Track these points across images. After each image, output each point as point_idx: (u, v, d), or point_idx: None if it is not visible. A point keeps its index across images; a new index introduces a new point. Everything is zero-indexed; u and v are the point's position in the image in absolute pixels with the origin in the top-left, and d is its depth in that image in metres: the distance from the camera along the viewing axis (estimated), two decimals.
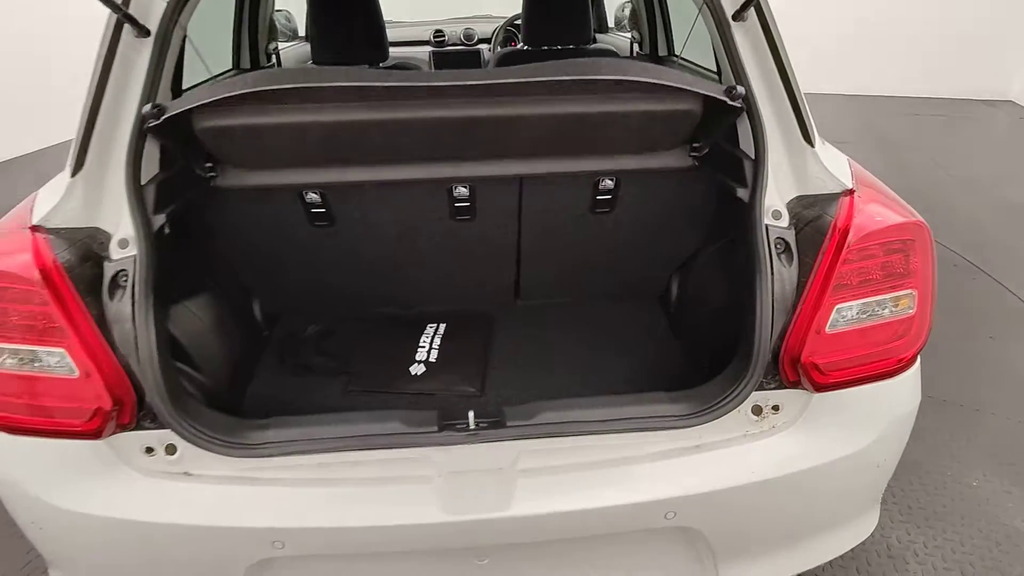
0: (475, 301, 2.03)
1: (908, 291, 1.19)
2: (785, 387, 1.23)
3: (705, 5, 1.39)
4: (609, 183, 1.66)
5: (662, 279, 2.00)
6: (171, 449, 1.16)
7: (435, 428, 1.20)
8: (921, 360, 1.30)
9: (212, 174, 1.47)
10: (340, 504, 1.17)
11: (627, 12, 3.11)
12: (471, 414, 1.22)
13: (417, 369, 1.74)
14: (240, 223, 1.67)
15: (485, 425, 1.22)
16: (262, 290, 1.90)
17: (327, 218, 1.70)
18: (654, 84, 1.26)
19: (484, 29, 3.74)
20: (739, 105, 1.30)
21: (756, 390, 1.21)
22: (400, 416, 1.22)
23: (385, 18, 2.20)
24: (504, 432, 1.20)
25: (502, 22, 3.62)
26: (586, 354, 1.81)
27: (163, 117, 1.20)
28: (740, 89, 1.30)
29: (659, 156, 1.55)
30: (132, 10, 1.24)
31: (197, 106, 1.20)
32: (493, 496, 1.18)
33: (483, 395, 1.68)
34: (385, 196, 1.66)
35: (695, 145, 1.53)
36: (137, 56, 1.26)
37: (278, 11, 2.88)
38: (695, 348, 1.76)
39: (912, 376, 1.28)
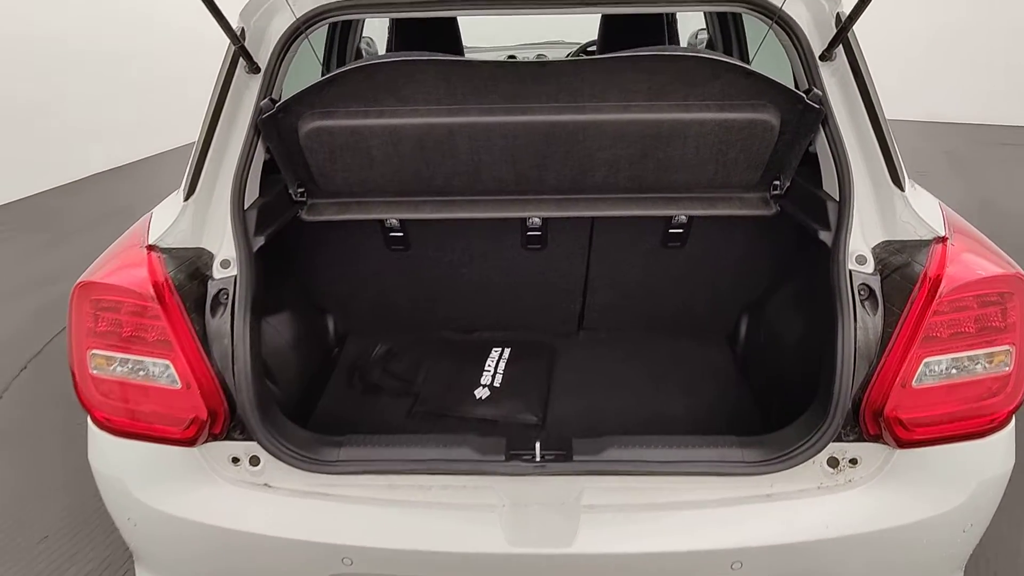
0: (539, 328, 2.06)
1: (1005, 347, 1.13)
2: (865, 440, 1.19)
3: (790, 43, 1.38)
4: (683, 218, 1.66)
5: (731, 317, 1.97)
6: (255, 461, 1.23)
7: (502, 457, 1.22)
8: (1016, 420, 1.22)
9: (303, 199, 1.56)
10: (408, 526, 1.20)
11: (700, 39, 3.10)
12: (537, 445, 1.23)
13: (482, 393, 1.78)
14: (322, 244, 1.77)
15: (551, 457, 1.23)
16: (335, 309, 1.99)
17: (403, 242, 1.77)
18: (729, 66, 1.25)
19: (556, 55, 3.81)
20: (817, 106, 1.27)
21: (833, 441, 1.17)
22: (469, 442, 1.25)
23: (464, 44, 2.28)
24: (570, 466, 1.20)
25: (575, 48, 3.68)
26: (648, 389, 1.79)
27: (277, 107, 1.29)
28: (817, 91, 1.28)
29: (736, 197, 1.53)
30: (248, 45, 1.35)
31: (307, 99, 1.28)
32: (557, 530, 1.18)
33: (544, 425, 1.69)
34: (461, 224, 1.71)
35: (775, 184, 1.50)
36: (247, 90, 1.36)
37: (363, 37, 3.05)
38: (764, 392, 1.72)
39: (1006, 437, 1.21)
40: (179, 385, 1.15)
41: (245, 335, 1.18)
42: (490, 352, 1.94)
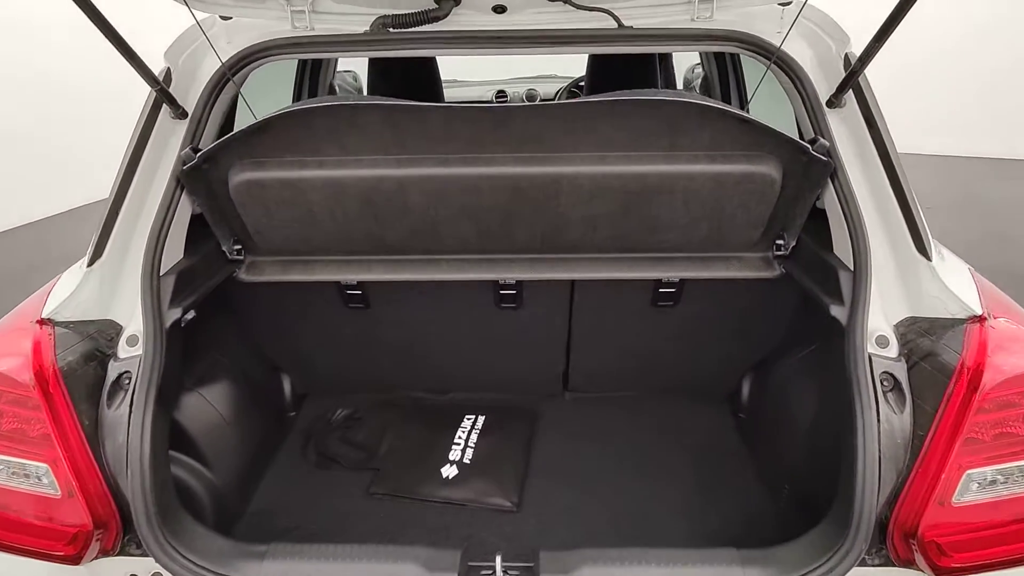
0: (519, 390, 1.86)
1: None
2: (894, 565, 0.98)
3: (792, 86, 1.21)
4: (674, 278, 1.47)
5: (732, 379, 1.76)
6: None
7: (455, 574, 1.02)
8: None
9: (240, 256, 1.38)
10: None
11: (697, 74, 2.95)
12: (498, 559, 1.03)
13: (449, 471, 1.57)
14: (273, 299, 1.58)
15: (515, 573, 1.02)
16: (291, 368, 1.80)
17: (362, 300, 1.59)
18: (720, 112, 1.07)
19: (548, 90, 3.67)
20: (824, 158, 1.09)
21: (857, 566, 0.96)
22: (417, 555, 1.04)
23: (451, 76, 2.12)
24: None
25: (567, 83, 3.54)
26: (641, 464, 1.58)
27: (199, 156, 1.11)
28: (824, 142, 1.10)
29: (734, 257, 1.35)
30: (173, 89, 1.18)
31: (235, 148, 1.11)
32: None
33: (520, 510, 1.48)
34: (426, 282, 1.53)
35: (778, 243, 1.32)
36: (172, 137, 1.20)
37: (345, 71, 2.90)
38: (771, 469, 1.51)
39: None
40: (59, 493, 0.95)
41: (144, 429, 0.98)
42: (462, 420, 1.73)
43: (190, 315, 1.20)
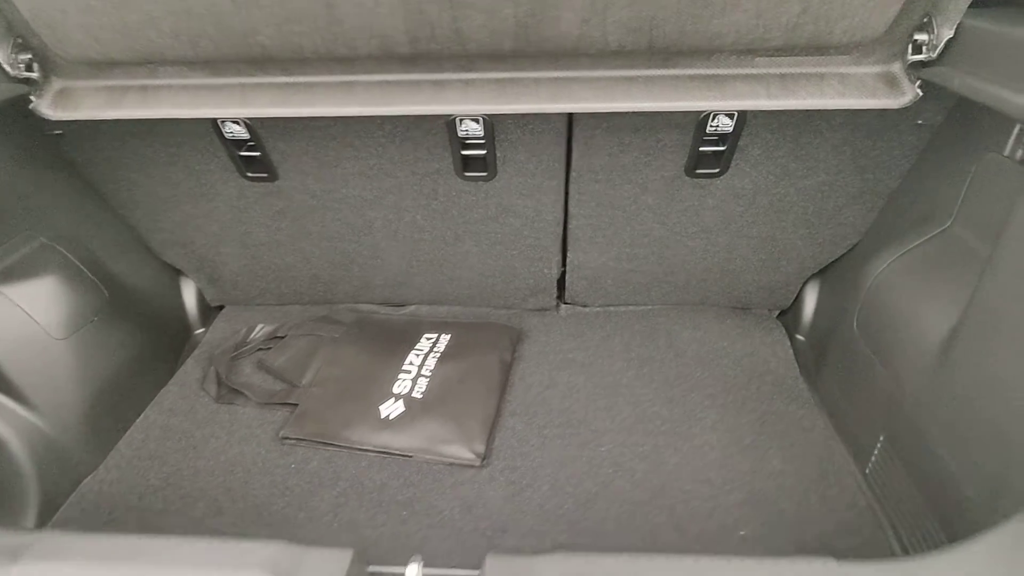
0: (498, 302, 1.39)
1: None
2: None
3: None
4: (726, 121, 0.95)
5: (790, 285, 1.27)
6: None
7: None
8: None
9: (32, 75, 0.87)
10: None
11: None
12: (414, 569, 0.59)
13: (391, 409, 1.12)
14: (130, 163, 1.09)
15: None
16: (192, 268, 1.33)
17: (263, 167, 1.10)
18: None
19: None
20: None
21: None
22: (278, 558, 0.60)
23: None
24: None
25: None
26: (659, 406, 1.13)
27: None
28: None
29: (833, 73, 0.81)
30: None
31: None
32: None
33: (486, 465, 1.04)
34: (343, 133, 1.03)
35: (918, 39, 0.77)
36: None
37: None
38: (853, 413, 1.04)
39: None
40: None
41: None
42: (419, 341, 1.28)
43: None
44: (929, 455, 0.81)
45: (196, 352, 1.31)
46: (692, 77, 0.81)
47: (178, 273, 1.37)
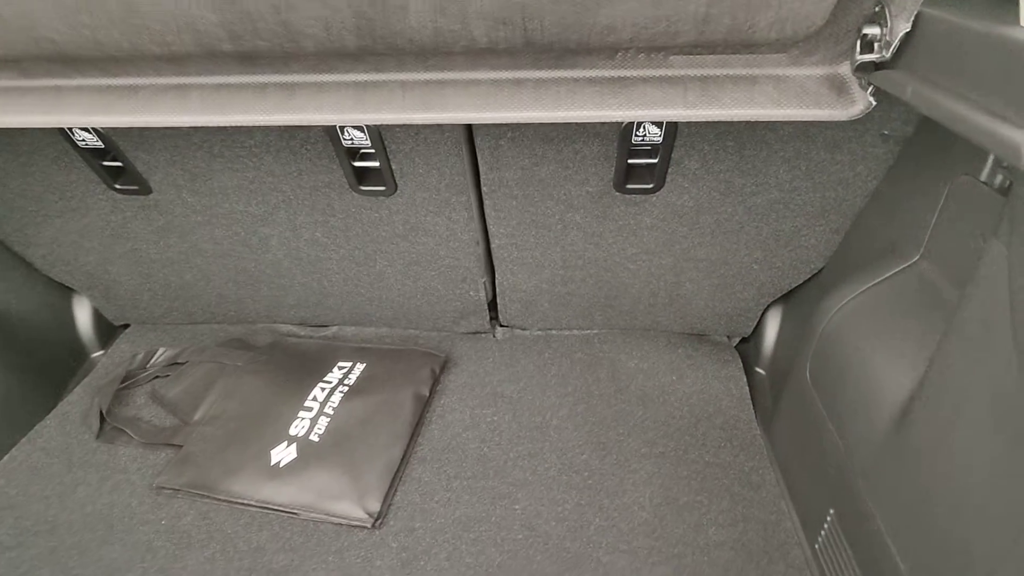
0: (428, 325, 1.25)
1: None
2: None
3: None
4: (654, 131, 0.80)
5: (749, 312, 1.12)
6: None
7: None
8: None
9: None
10: None
11: None
12: None
13: (283, 454, 0.99)
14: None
15: None
16: (84, 286, 1.21)
17: (131, 179, 0.96)
18: None
19: None
20: None
21: None
22: None
23: None
24: None
25: None
26: (588, 454, 0.99)
27: None
28: None
29: (766, 75, 0.65)
30: None
31: None
32: None
33: (379, 527, 0.90)
34: (212, 144, 0.89)
35: (867, 33, 0.61)
36: None
37: None
38: (806, 471, 0.89)
39: None
40: None
41: None
42: (332, 369, 1.14)
43: None
44: (879, 546, 0.67)
45: (87, 379, 1.19)
46: (591, 80, 0.66)
47: (71, 290, 1.24)
